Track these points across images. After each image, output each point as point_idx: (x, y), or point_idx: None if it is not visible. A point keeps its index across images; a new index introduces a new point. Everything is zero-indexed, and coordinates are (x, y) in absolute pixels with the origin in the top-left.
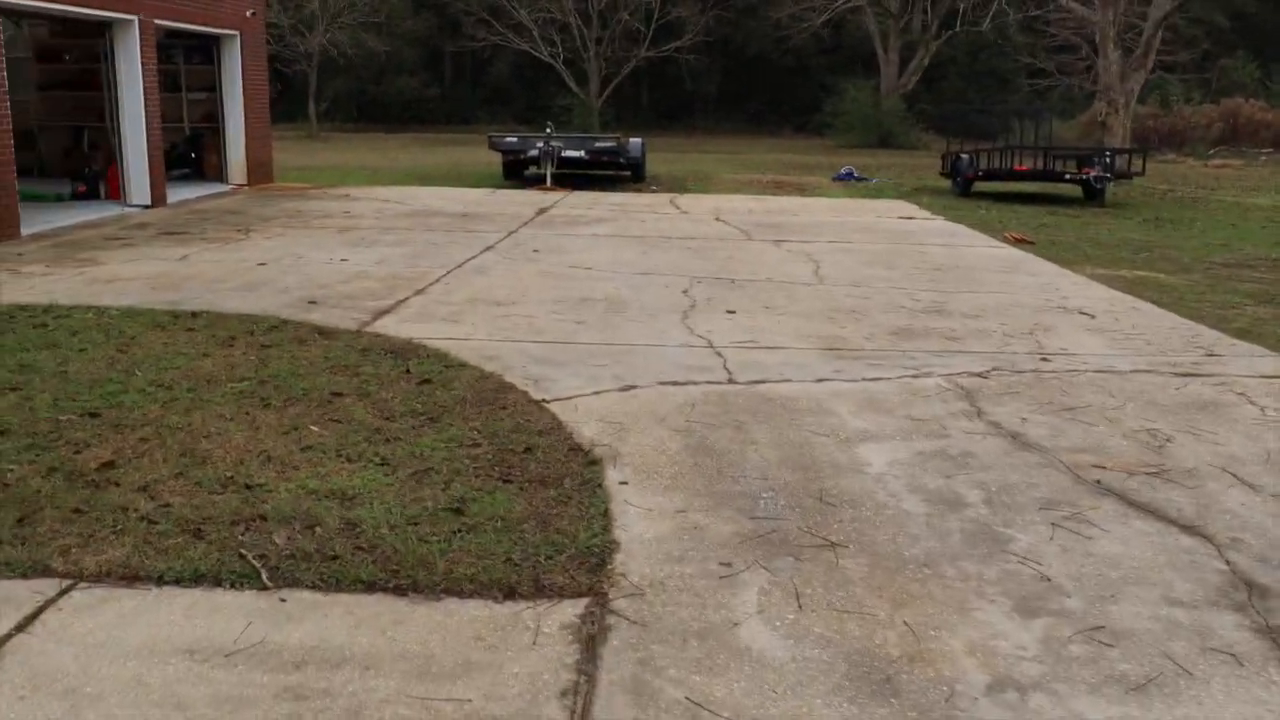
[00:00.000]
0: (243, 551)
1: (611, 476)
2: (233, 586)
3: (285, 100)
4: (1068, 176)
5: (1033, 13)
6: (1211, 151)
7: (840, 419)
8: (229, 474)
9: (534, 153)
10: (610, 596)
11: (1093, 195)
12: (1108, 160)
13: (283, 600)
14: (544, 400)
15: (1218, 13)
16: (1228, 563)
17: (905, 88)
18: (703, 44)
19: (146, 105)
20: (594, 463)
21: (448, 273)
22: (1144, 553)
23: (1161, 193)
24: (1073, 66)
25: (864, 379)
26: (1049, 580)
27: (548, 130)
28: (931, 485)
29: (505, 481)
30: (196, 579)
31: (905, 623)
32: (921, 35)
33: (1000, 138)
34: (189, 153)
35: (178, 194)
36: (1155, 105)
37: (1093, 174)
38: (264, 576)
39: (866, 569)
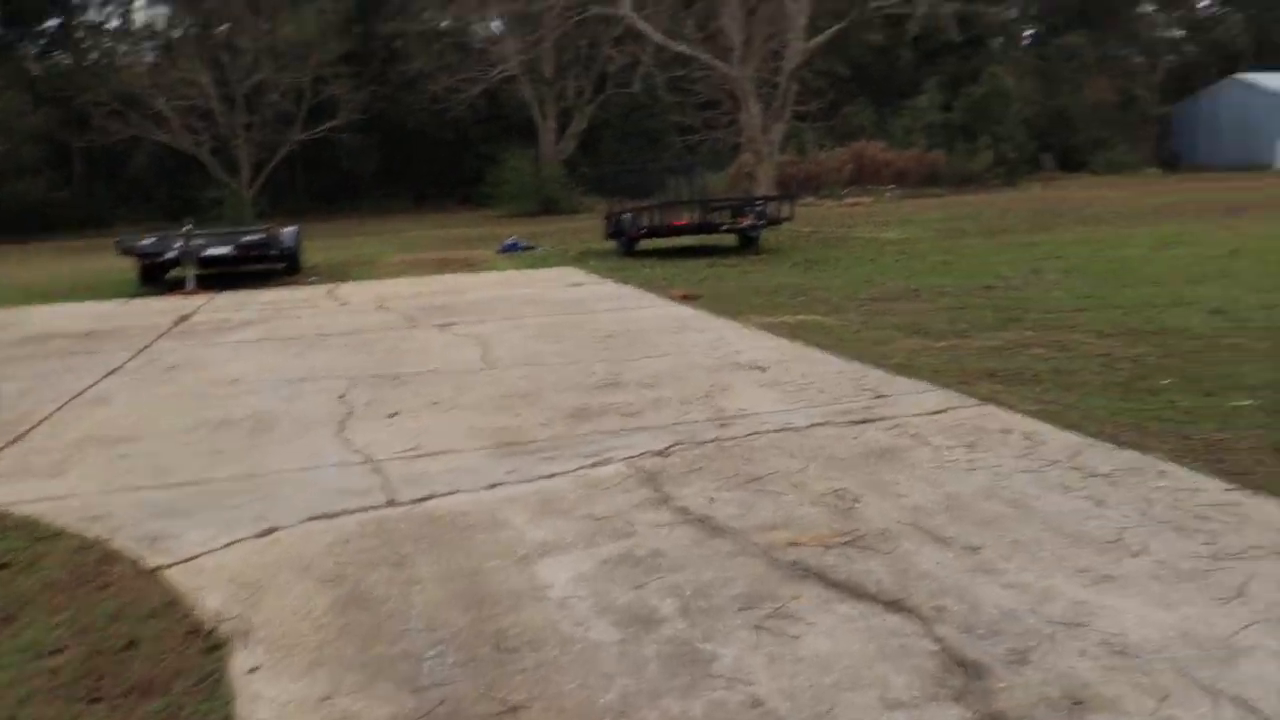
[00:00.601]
0: None
1: (239, 663)
2: None
3: None
4: (724, 227)
5: (678, 73)
6: (844, 192)
7: (516, 532)
8: None
9: (172, 254)
10: None
11: (748, 243)
12: (760, 208)
13: None
14: (160, 566)
15: (839, 64)
16: (937, 640)
17: (564, 153)
18: (359, 122)
19: None
20: (217, 647)
21: (59, 408)
22: (853, 645)
23: (807, 235)
24: (718, 121)
25: (540, 477)
26: (762, 704)
27: (187, 228)
28: (622, 600)
29: (93, 701)
30: None
31: None
32: (576, 100)
33: (657, 195)
34: None
35: None
36: (793, 153)
37: (747, 223)
38: None
39: None
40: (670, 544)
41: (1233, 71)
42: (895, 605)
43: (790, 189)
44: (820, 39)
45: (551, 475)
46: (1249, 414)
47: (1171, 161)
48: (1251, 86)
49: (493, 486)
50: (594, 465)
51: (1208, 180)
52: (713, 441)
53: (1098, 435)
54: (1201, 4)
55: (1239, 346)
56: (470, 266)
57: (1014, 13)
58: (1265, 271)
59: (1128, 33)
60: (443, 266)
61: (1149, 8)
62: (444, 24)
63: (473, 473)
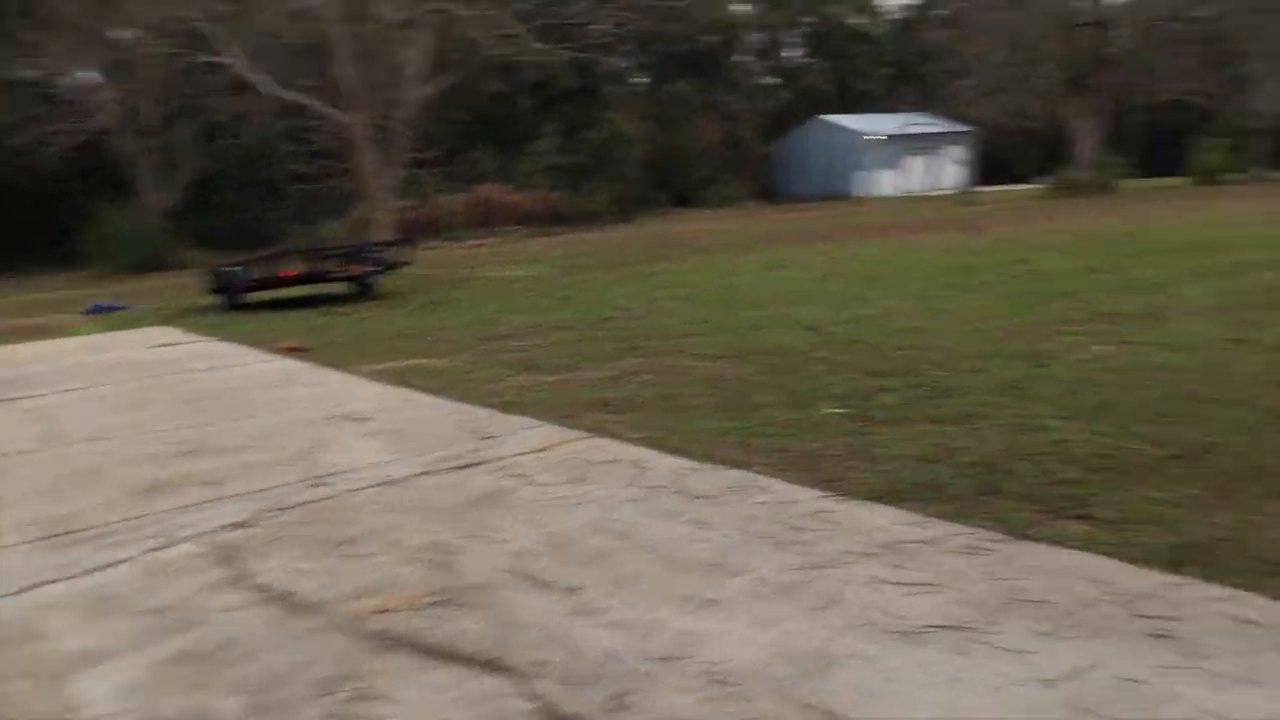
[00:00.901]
0: None
1: None
2: None
3: None
4: (336, 275)
5: (293, 121)
6: (469, 234)
7: (52, 642)
8: None
9: None
10: None
11: (364, 290)
12: (375, 254)
13: None
14: None
15: (459, 110)
16: (535, 698)
17: (171, 205)
18: None
19: None
20: None
21: None
22: (445, 715)
23: (430, 278)
24: (336, 169)
25: (93, 569)
26: None
27: None
28: (174, 710)
29: None
30: None
31: None
32: (183, 151)
33: (278, 244)
34: None
35: None
36: (415, 198)
37: (360, 270)
38: None
39: None
40: (244, 630)
41: (821, 114)
42: (493, 665)
43: (411, 233)
44: (432, 88)
45: (107, 566)
46: (837, 422)
47: (770, 195)
48: (833, 126)
49: (29, 589)
50: (161, 548)
51: (802, 210)
52: (304, 504)
53: (703, 457)
54: (791, 55)
55: (827, 359)
56: (45, 333)
57: (627, 62)
58: (850, 291)
59: (730, 81)
60: (10, 335)
61: (747, 58)
62: (26, 73)
63: (6, 575)
